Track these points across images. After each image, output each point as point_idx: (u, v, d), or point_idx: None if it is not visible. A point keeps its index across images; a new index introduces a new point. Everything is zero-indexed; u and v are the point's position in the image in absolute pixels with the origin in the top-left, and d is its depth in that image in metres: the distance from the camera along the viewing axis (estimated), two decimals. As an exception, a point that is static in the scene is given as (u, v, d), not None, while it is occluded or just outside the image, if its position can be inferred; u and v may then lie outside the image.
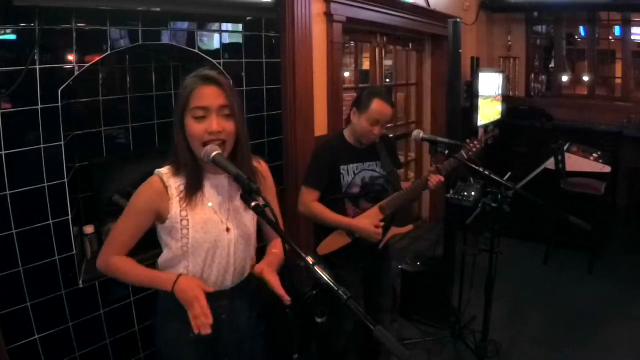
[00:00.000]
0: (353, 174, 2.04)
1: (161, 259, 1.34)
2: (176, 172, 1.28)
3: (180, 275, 1.26)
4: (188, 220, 1.27)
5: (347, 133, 2.10)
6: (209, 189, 1.31)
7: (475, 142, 2.07)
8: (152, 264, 1.37)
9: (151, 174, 1.34)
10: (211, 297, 1.28)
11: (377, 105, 1.97)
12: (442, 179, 2.01)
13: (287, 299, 1.21)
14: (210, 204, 1.30)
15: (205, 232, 1.28)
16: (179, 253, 1.29)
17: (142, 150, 2.22)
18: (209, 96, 1.22)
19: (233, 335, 1.39)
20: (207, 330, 1.17)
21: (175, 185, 1.28)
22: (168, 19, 2.03)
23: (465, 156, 2.05)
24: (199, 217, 1.28)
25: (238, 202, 1.32)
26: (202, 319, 1.17)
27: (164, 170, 1.29)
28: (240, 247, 1.35)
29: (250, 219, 1.38)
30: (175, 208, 1.27)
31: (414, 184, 2.06)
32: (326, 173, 2.02)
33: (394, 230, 2.12)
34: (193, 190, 1.27)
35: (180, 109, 1.24)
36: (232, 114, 1.25)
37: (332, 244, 2.05)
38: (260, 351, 1.48)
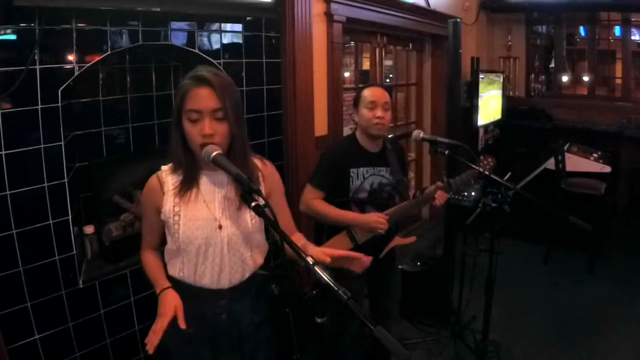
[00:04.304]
0: (362, 178, 2.01)
1: (166, 250, 1.39)
2: (175, 169, 1.32)
3: (169, 287, 1.33)
4: (180, 216, 1.29)
5: (358, 135, 2.09)
6: (205, 186, 1.31)
7: (489, 160, 2.07)
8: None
9: (151, 173, 1.36)
10: (209, 295, 1.32)
11: (367, 91, 2.03)
12: (447, 196, 2.03)
13: (365, 258, 1.37)
14: (204, 200, 1.30)
15: (195, 229, 1.28)
16: (175, 247, 1.32)
17: (142, 150, 2.22)
18: (202, 99, 1.20)
19: (232, 337, 1.38)
20: (149, 348, 1.21)
21: (172, 181, 1.31)
22: (168, 19, 2.02)
23: (478, 174, 2.06)
24: (191, 214, 1.29)
25: (236, 200, 1.31)
26: (151, 336, 1.23)
27: (165, 167, 1.34)
28: (235, 247, 1.33)
29: (250, 218, 1.35)
30: (169, 203, 1.30)
31: (419, 197, 2.05)
32: (334, 174, 1.99)
33: (397, 240, 2.10)
34: (187, 186, 1.29)
35: (177, 109, 1.25)
36: (224, 116, 1.22)
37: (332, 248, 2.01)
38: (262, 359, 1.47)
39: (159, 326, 1.24)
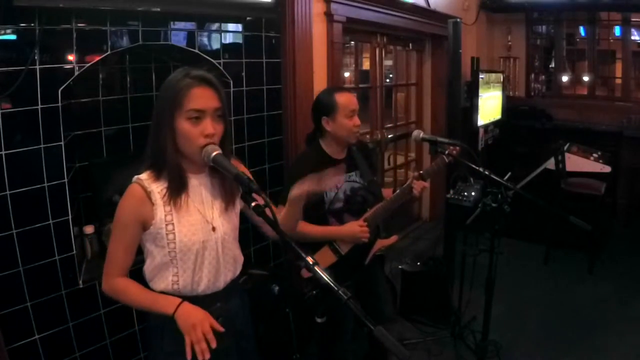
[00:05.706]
0: (336, 188, 1.95)
1: (147, 268, 1.30)
2: (157, 176, 1.24)
3: (183, 301, 1.22)
4: (173, 224, 1.23)
5: (324, 144, 1.99)
6: (192, 189, 1.28)
7: (452, 147, 2.03)
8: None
9: None
10: (206, 302, 1.28)
11: (343, 98, 1.92)
12: (427, 184, 1.95)
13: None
14: (194, 204, 1.27)
15: (192, 234, 1.25)
16: (165, 260, 1.25)
17: (142, 150, 2.21)
18: (206, 98, 1.20)
19: (232, 336, 1.37)
20: (207, 355, 1.15)
21: (158, 189, 1.23)
22: (168, 19, 2.02)
23: (447, 160, 2.00)
24: (185, 220, 1.25)
25: (221, 199, 1.31)
26: (203, 344, 1.15)
27: (144, 176, 1.24)
28: (228, 246, 1.34)
29: (234, 216, 1.36)
30: (160, 213, 1.22)
31: (397, 193, 1.99)
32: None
33: (380, 243, 2.05)
34: (177, 192, 1.23)
35: (171, 108, 1.19)
36: (223, 115, 1.23)
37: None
38: (252, 352, 1.47)
39: (206, 331, 1.16)
